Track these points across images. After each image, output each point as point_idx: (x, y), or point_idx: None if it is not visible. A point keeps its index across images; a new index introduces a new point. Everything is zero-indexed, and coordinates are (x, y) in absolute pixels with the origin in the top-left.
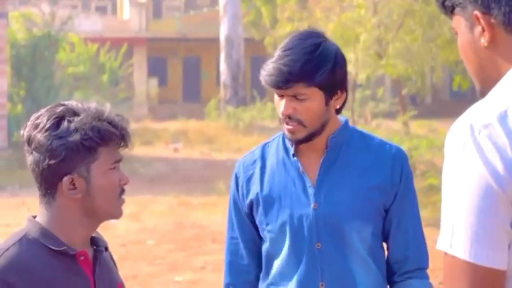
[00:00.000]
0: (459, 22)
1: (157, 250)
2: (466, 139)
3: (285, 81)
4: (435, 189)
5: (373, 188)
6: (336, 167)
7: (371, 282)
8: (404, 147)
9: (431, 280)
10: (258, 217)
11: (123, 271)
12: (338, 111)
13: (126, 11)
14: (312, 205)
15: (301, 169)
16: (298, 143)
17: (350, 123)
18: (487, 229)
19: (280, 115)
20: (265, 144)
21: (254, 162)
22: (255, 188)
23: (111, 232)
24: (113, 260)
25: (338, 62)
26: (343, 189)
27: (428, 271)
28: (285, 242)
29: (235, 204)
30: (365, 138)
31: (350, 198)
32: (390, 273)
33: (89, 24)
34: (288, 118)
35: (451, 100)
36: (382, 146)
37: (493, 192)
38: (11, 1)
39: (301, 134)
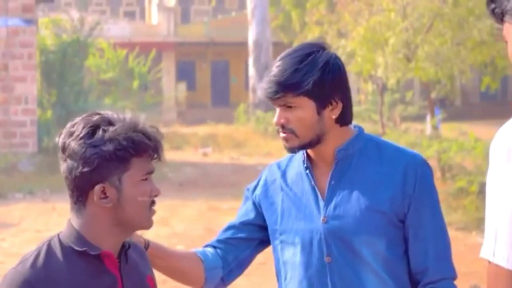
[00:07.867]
0: (508, 30)
1: None
2: (511, 147)
3: (274, 92)
4: (465, 192)
5: (383, 200)
6: (346, 180)
7: None
8: (433, 150)
9: (464, 284)
10: (272, 225)
11: None
12: (344, 122)
13: (154, 16)
14: (321, 219)
15: (312, 182)
16: (293, 151)
17: (379, 127)
18: None
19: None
20: (292, 156)
21: (279, 169)
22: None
23: None
24: (143, 253)
25: (327, 71)
26: (351, 203)
27: (461, 275)
28: (296, 254)
29: (247, 198)
30: (380, 148)
31: (358, 212)
32: (414, 284)
33: (118, 29)
34: (282, 127)
35: (481, 103)
36: (396, 156)
37: None
38: (41, 8)
39: (294, 143)
